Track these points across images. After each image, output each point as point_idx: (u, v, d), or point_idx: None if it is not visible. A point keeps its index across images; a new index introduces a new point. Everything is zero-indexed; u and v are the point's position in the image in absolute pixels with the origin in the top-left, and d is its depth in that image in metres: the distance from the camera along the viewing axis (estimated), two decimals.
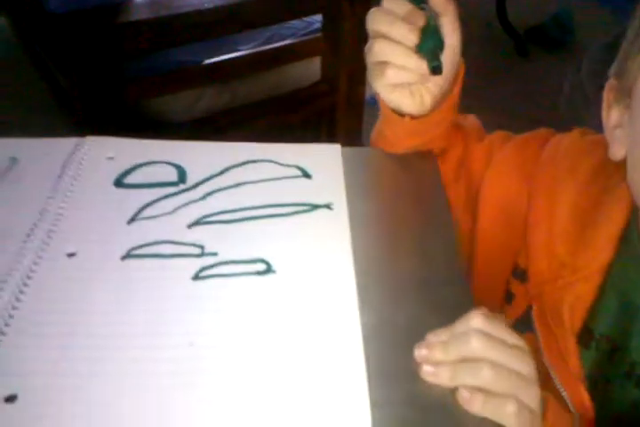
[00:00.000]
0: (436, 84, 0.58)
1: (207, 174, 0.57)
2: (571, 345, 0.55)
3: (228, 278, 0.48)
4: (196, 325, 0.45)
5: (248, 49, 2.00)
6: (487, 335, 0.43)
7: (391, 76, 0.55)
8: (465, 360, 0.43)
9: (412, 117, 0.60)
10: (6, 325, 0.45)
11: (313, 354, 0.44)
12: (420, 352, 0.43)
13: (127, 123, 1.40)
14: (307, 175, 0.58)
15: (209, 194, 0.56)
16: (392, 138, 0.63)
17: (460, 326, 0.44)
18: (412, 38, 0.53)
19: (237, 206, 0.54)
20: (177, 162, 0.59)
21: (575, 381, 0.54)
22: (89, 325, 0.45)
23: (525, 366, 0.44)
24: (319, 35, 1.95)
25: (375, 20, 0.55)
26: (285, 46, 2.00)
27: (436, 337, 0.44)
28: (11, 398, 0.40)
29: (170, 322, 0.46)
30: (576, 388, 0.54)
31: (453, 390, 0.42)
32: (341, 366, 0.43)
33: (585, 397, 0.53)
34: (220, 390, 0.41)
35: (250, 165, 0.59)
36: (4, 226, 0.52)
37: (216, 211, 0.54)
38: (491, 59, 2.16)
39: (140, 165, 0.58)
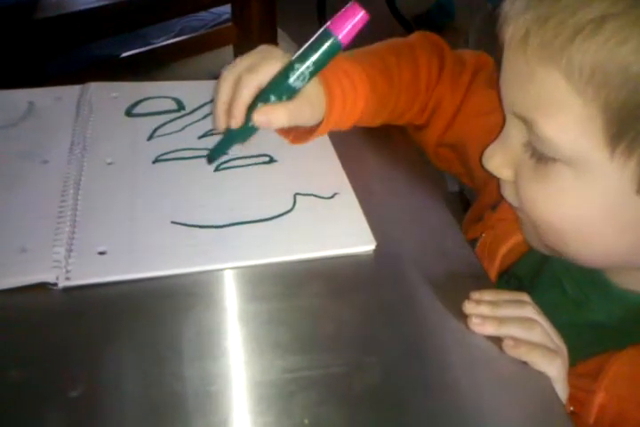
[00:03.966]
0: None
1: (201, 102, 0.70)
2: (491, 275, 0.62)
3: (242, 168, 0.62)
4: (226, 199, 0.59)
5: (161, 42, 2.10)
6: (539, 312, 0.51)
7: None
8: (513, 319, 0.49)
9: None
10: (74, 209, 0.57)
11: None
12: (469, 307, 0.50)
13: None
14: None
15: (207, 115, 0.69)
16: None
17: (509, 295, 0.52)
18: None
19: None
20: (173, 95, 0.72)
21: None
22: (142, 202, 0.58)
23: (564, 346, 0.50)
24: (229, 24, 2.06)
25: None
26: (198, 36, 2.11)
27: (480, 295, 0.51)
28: (103, 253, 0.52)
29: (204, 197, 0.59)
30: None
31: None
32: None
33: None
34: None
35: None
36: (46, 146, 0.63)
37: None
38: None
39: (143, 100, 0.71)
